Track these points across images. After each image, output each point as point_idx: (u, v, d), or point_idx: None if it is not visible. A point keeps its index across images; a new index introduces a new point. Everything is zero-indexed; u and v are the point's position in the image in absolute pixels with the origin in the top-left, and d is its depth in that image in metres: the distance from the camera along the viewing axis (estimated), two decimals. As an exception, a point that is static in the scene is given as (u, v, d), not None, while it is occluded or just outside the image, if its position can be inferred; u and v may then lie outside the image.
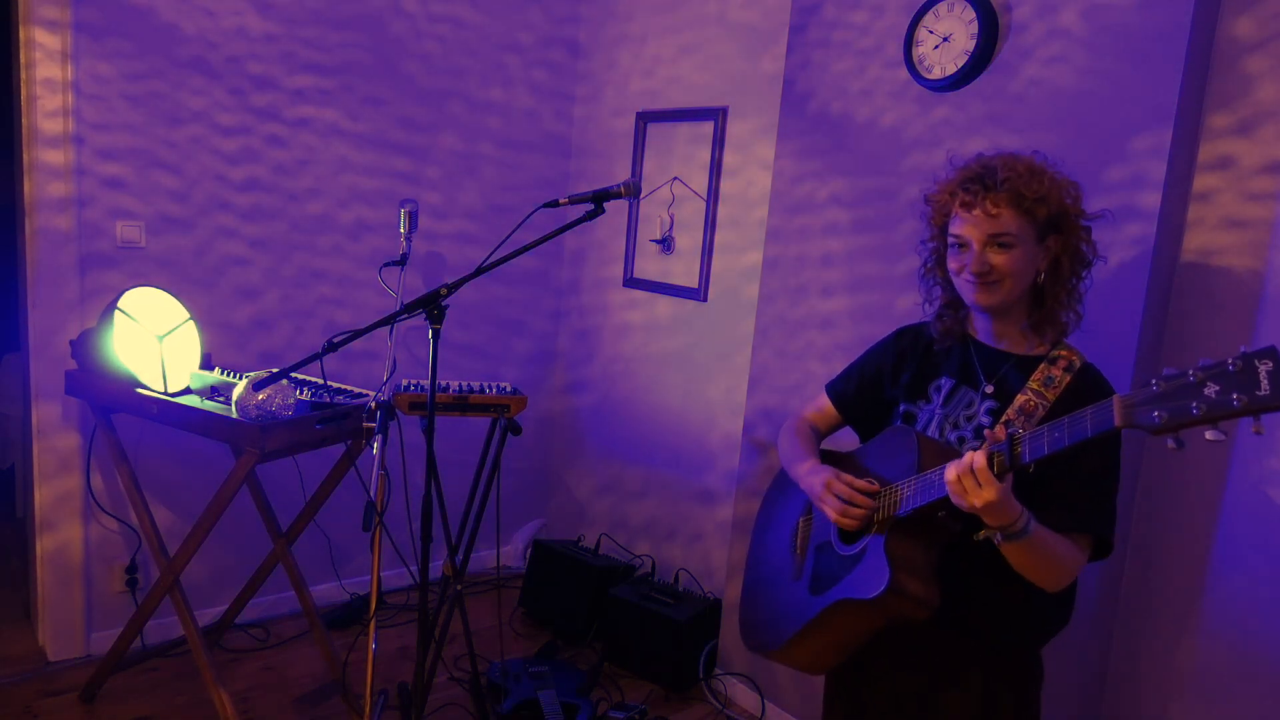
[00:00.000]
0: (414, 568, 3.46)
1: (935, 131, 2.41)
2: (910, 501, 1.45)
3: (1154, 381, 1.17)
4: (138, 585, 2.98)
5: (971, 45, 2.29)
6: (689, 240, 3.40)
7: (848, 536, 1.59)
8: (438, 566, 3.54)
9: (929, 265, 1.66)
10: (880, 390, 1.74)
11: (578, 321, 3.94)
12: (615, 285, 3.74)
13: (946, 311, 1.65)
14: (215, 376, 2.53)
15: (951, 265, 1.56)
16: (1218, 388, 1.10)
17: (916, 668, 1.60)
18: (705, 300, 3.35)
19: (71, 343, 2.61)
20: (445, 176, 3.53)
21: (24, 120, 2.65)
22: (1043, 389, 1.47)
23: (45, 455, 2.79)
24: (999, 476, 1.30)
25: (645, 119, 3.56)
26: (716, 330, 3.32)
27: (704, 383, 3.39)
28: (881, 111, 2.54)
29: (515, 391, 2.48)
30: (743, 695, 2.96)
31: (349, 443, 2.66)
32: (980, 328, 1.62)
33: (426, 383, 2.37)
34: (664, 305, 3.53)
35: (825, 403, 1.84)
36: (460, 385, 2.49)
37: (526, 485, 4.04)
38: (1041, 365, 1.50)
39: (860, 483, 1.54)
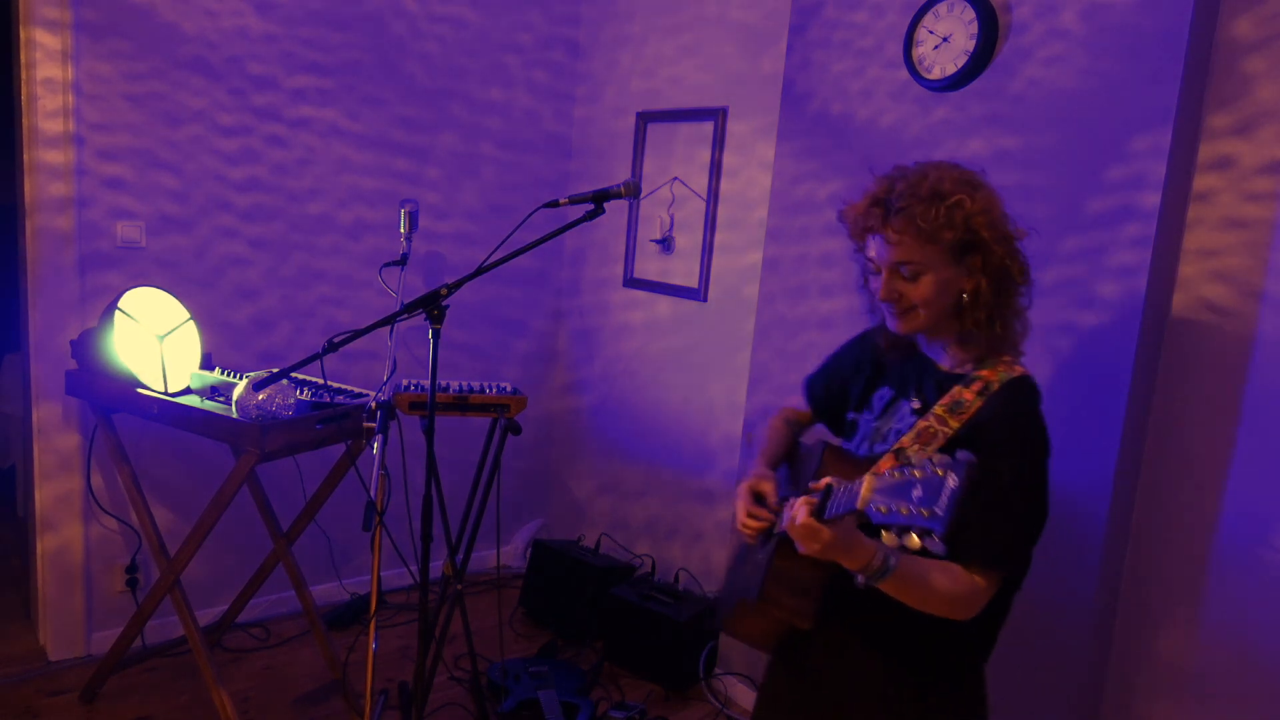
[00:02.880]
0: (414, 567, 3.46)
1: (935, 132, 2.41)
2: (784, 525, 1.43)
3: (893, 469, 1.14)
4: (138, 585, 2.98)
5: (971, 45, 2.29)
6: (689, 240, 3.40)
7: (765, 537, 1.57)
8: (438, 566, 3.54)
9: (861, 280, 1.58)
10: (844, 391, 1.69)
11: (578, 321, 3.94)
12: (615, 285, 3.74)
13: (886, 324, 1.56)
14: (215, 376, 2.53)
15: (873, 285, 1.49)
16: (920, 493, 1.07)
17: (840, 680, 1.54)
18: (705, 300, 3.35)
19: (72, 343, 2.61)
20: (445, 176, 3.54)
21: (24, 120, 2.65)
22: (947, 415, 1.38)
23: (46, 455, 2.79)
24: (828, 524, 1.24)
25: (645, 119, 3.56)
26: (716, 330, 3.32)
27: (704, 383, 3.39)
28: (881, 112, 2.54)
29: (515, 391, 2.48)
30: (743, 695, 2.96)
31: (349, 443, 2.66)
32: (919, 339, 1.54)
33: (426, 383, 2.37)
34: (664, 305, 3.53)
35: (803, 398, 1.81)
36: (460, 385, 2.49)
37: (526, 485, 4.04)
38: (955, 388, 1.40)
39: (755, 509, 1.53)
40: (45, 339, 2.73)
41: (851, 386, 1.65)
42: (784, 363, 2.83)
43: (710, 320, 3.35)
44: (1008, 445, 1.35)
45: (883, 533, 1.11)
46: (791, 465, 1.72)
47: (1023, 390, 1.39)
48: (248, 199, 3.06)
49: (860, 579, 1.29)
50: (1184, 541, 2.14)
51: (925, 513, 1.05)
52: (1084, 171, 2.13)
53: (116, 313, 2.43)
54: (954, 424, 1.36)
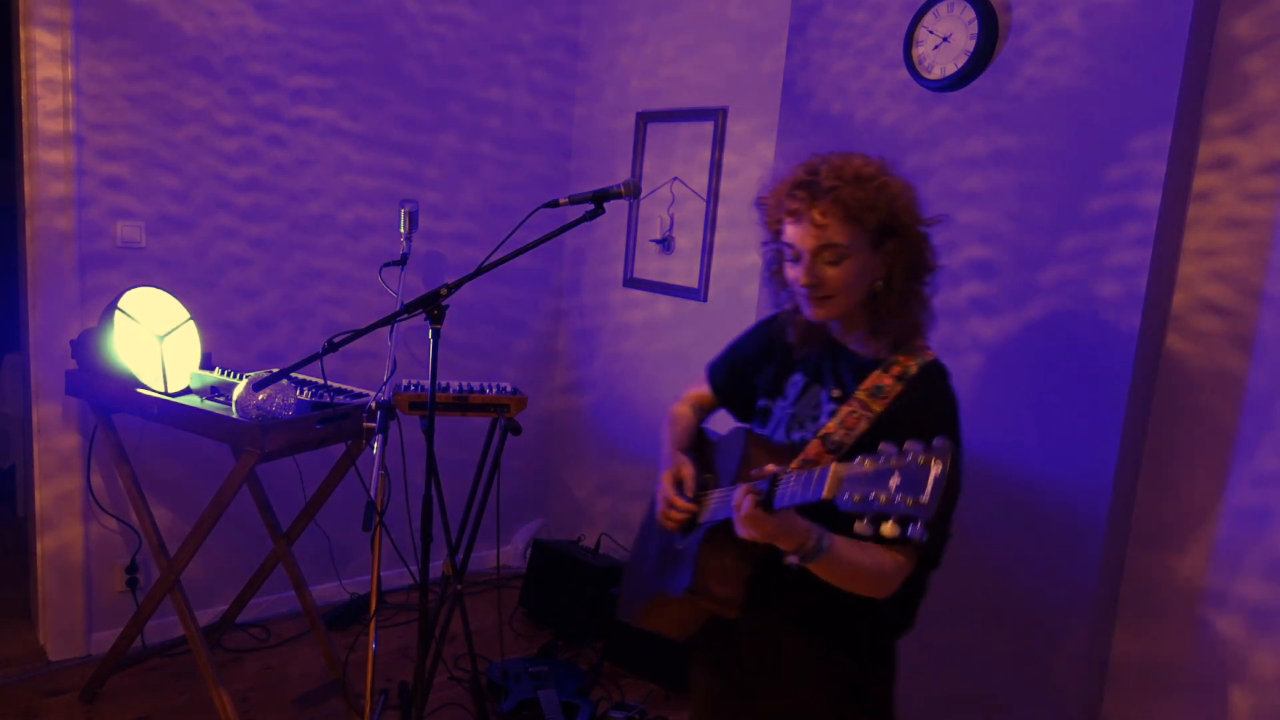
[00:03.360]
0: (414, 567, 3.46)
1: (935, 131, 2.41)
2: (714, 514, 1.44)
3: (863, 458, 1.15)
4: (138, 585, 2.98)
5: (971, 45, 2.29)
6: (689, 240, 3.40)
7: (685, 530, 1.58)
8: (438, 566, 3.53)
9: (771, 269, 1.59)
10: (749, 379, 1.70)
11: (578, 321, 3.94)
12: (615, 285, 3.74)
13: (798, 315, 1.57)
14: (215, 376, 2.53)
15: (789, 274, 1.50)
16: (899, 481, 1.08)
17: (763, 664, 1.57)
18: (705, 300, 3.35)
19: (71, 343, 2.61)
20: (445, 176, 3.53)
21: (24, 120, 2.65)
22: (869, 399, 1.42)
23: (45, 455, 2.79)
24: (766, 510, 1.27)
25: (645, 119, 3.56)
26: (716, 330, 3.32)
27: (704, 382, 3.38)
28: (881, 111, 2.54)
29: (515, 391, 2.48)
30: (743, 695, 2.96)
31: (349, 443, 2.66)
32: (834, 326, 1.56)
33: (426, 383, 2.37)
34: (664, 305, 3.53)
35: (706, 385, 1.82)
36: (460, 385, 2.49)
37: (526, 485, 4.04)
38: (874, 373, 1.44)
39: (678, 500, 1.55)
40: (45, 339, 2.73)
41: (758, 373, 1.67)
42: (784, 363, 2.83)
43: (710, 320, 3.35)
44: (931, 427, 1.39)
45: (855, 522, 1.12)
46: (700, 452, 1.70)
47: (939, 374, 1.45)
48: (248, 199, 3.06)
49: (795, 560, 1.31)
50: (1184, 541, 2.14)
51: (909, 501, 1.06)
52: (1084, 171, 2.13)
53: (116, 313, 2.43)
54: (876, 408, 1.41)
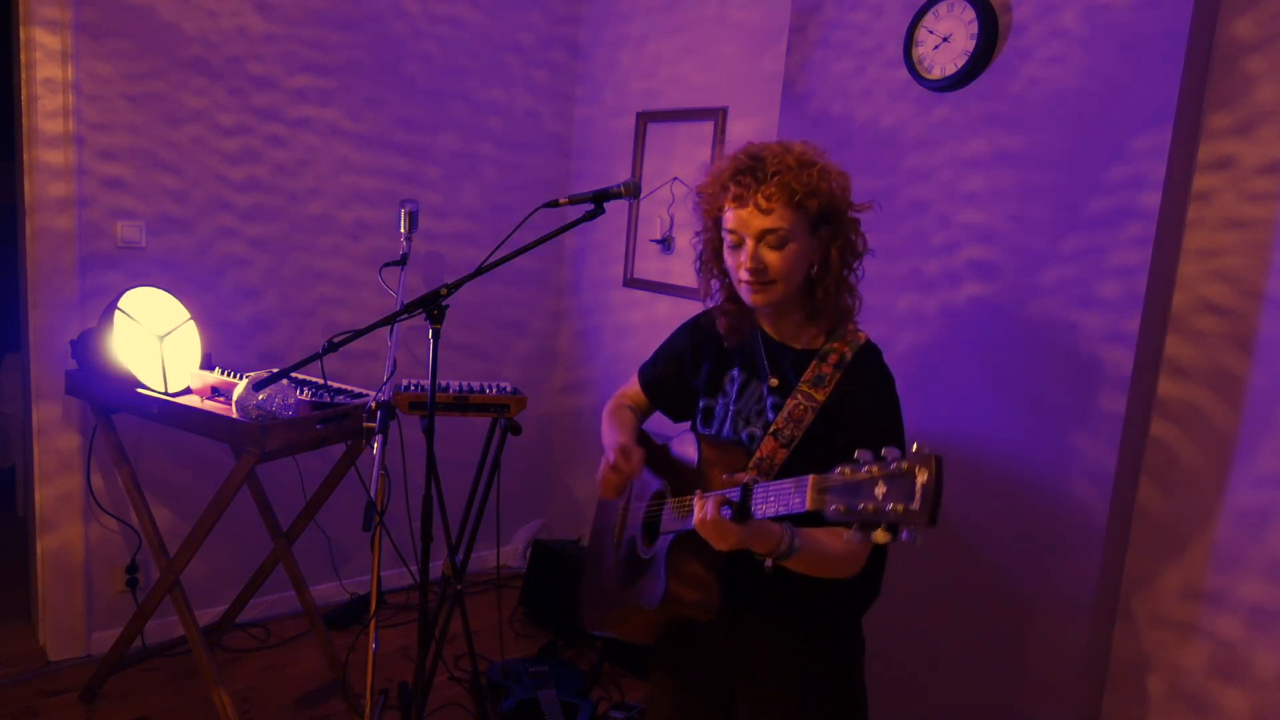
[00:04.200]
0: (414, 567, 3.46)
1: (935, 131, 2.41)
2: (680, 524, 1.45)
3: (841, 468, 1.16)
4: (138, 585, 2.98)
5: (971, 45, 2.29)
6: (689, 240, 3.40)
7: (648, 538, 1.59)
8: (438, 566, 3.53)
9: (705, 258, 1.60)
10: (683, 380, 1.72)
11: (578, 321, 3.94)
12: (615, 285, 3.74)
13: (729, 305, 1.59)
14: (215, 376, 2.53)
15: (729, 261, 1.51)
16: (885, 489, 1.09)
17: (736, 656, 1.59)
18: (705, 300, 3.35)
19: (71, 343, 2.61)
20: (445, 176, 3.54)
21: (24, 120, 2.65)
22: (812, 390, 1.45)
23: (45, 455, 2.79)
24: (739, 522, 1.28)
25: (645, 119, 3.56)
26: (716, 330, 3.32)
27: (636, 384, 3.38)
28: (881, 111, 2.54)
29: (515, 392, 2.48)
30: (743, 695, 2.96)
31: (349, 443, 2.66)
32: (764, 317, 1.58)
33: (426, 383, 2.37)
34: (664, 305, 3.52)
35: (638, 387, 1.83)
36: (460, 385, 2.49)
37: (526, 485, 4.04)
38: (813, 363, 1.47)
39: (622, 464, 1.55)
40: (45, 339, 2.73)
41: (694, 374, 1.68)
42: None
43: (710, 320, 3.34)
44: (875, 408, 1.46)
45: (845, 530, 1.14)
46: (651, 459, 1.68)
47: (874, 356, 1.51)
48: (248, 199, 3.06)
49: (768, 562, 1.34)
50: (1184, 541, 2.14)
51: (899, 508, 1.07)
52: (1084, 171, 2.13)
53: (116, 313, 2.43)
54: (820, 397, 1.45)
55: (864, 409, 1.45)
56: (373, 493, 2.08)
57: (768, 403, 1.52)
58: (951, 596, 2.40)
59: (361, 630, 3.20)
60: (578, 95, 3.86)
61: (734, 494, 1.30)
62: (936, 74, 2.38)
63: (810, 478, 1.20)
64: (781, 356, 1.53)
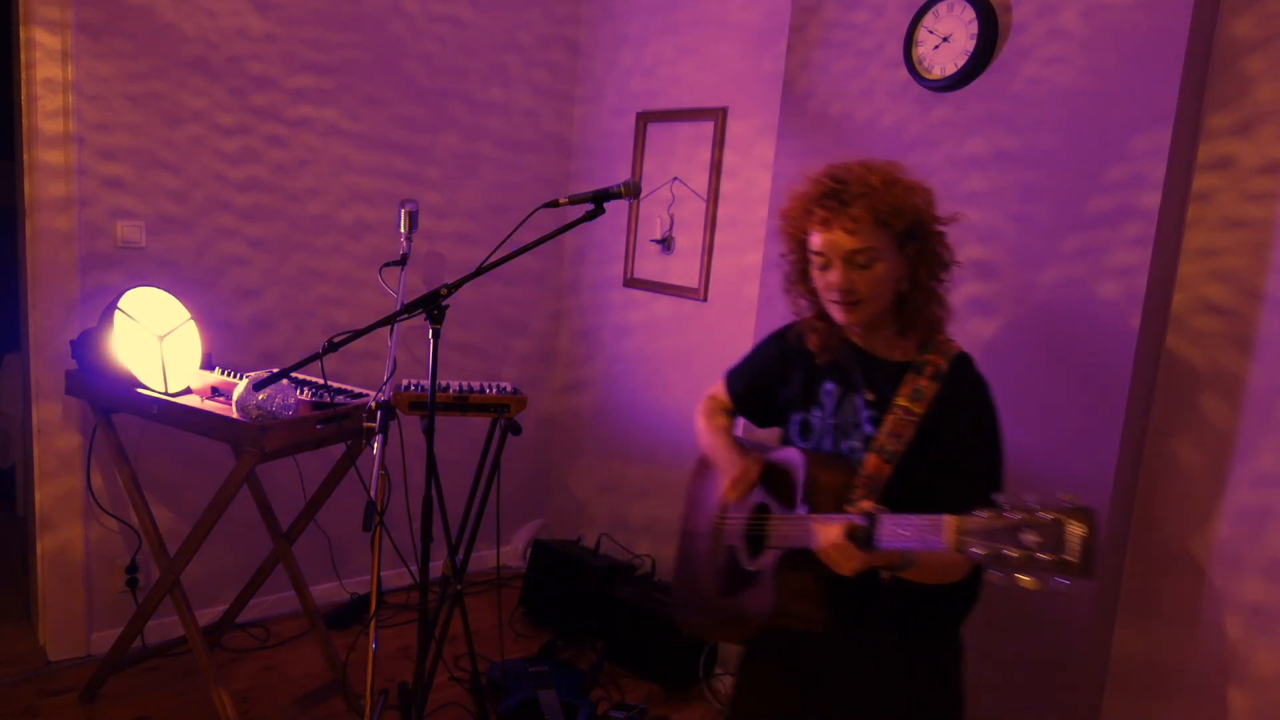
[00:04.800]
0: (414, 567, 3.45)
1: (935, 131, 2.41)
2: (790, 541, 1.48)
3: (984, 512, 1.18)
4: (138, 585, 2.98)
5: (971, 45, 2.29)
6: (689, 240, 3.40)
7: (753, 549, 1.61)
8: (438, 566, 3.53)
9: (791, 279, 1.64)
10: (771, 391, 1.75)
11: (578, 321, 3.94)
12: (615, 285, 3.74)
13: (819, 323, 1.63)
14: (215, 376, 2.53)
15: (817, 282, 1.56)
16: (1037, 540, 1.11)
17: (837, 665, 1.61)
18: (705, 300, 3.35)
19: (71, 343, 2.60)
20: (445, 176, 3.53)
21: (24, 120, 2.65)
22: (910, 404, 1.48)
23: (45, 455, 2.79)
24: (865, 549, 1.32)
25: (645, 119, 3.56)
26: (716, 330, 3.32)
27: (704, 383, 3.37)
28: (881, 111, 2.54)
29: (515, 391, 2.48)
30: (743, 695, 2.96)
31: (349, 443, 2.66)
32: (855, 331, 1.60)
33: (426, 383, 2.37)
34: (664, 305, 3.52)
35: (725, 392, 1.88)
36: (460, 385, 2.49)
37: (526, 485, 4.04)
38: (908, 376, 1.50)
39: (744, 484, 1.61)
40: (45, 339, 2.73)
41: (783, 384, 1.71)
42: (784, 363, 2.83)
43: (710, 320, 3.35)
44: (974, 418, 1.49)
45: (987, 572, 1.16)
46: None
47: (968, 365, 1.54)
48: (248, 199, 3.06)
49: (886, 575, 1.39)
50: (1184, 540, 2.14)
51: (1049, 558, 1.09)
52: (1084, 171, 2.13)
53: (116, 313, 2.43)
54: (918, 410, 1.48)
55: (962, 420, 1.48)
56: (373, 493, 2.08)
57: (864, 416, 1.55)
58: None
59: (361, 630, 3.19)
60: (578, 95, 3.86)
61: (861, 520, 1.33)
62: (936, 74, 2.38)
63: (947, 518, 1.22)
64: (875, 370, 1.56)
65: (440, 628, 2.58)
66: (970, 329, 2.35)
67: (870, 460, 1.49)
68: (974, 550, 1.17)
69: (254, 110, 3.02)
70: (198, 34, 2.87)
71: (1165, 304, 2.13)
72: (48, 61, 2.61)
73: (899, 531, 1.30)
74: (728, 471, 1.68)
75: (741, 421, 1.92)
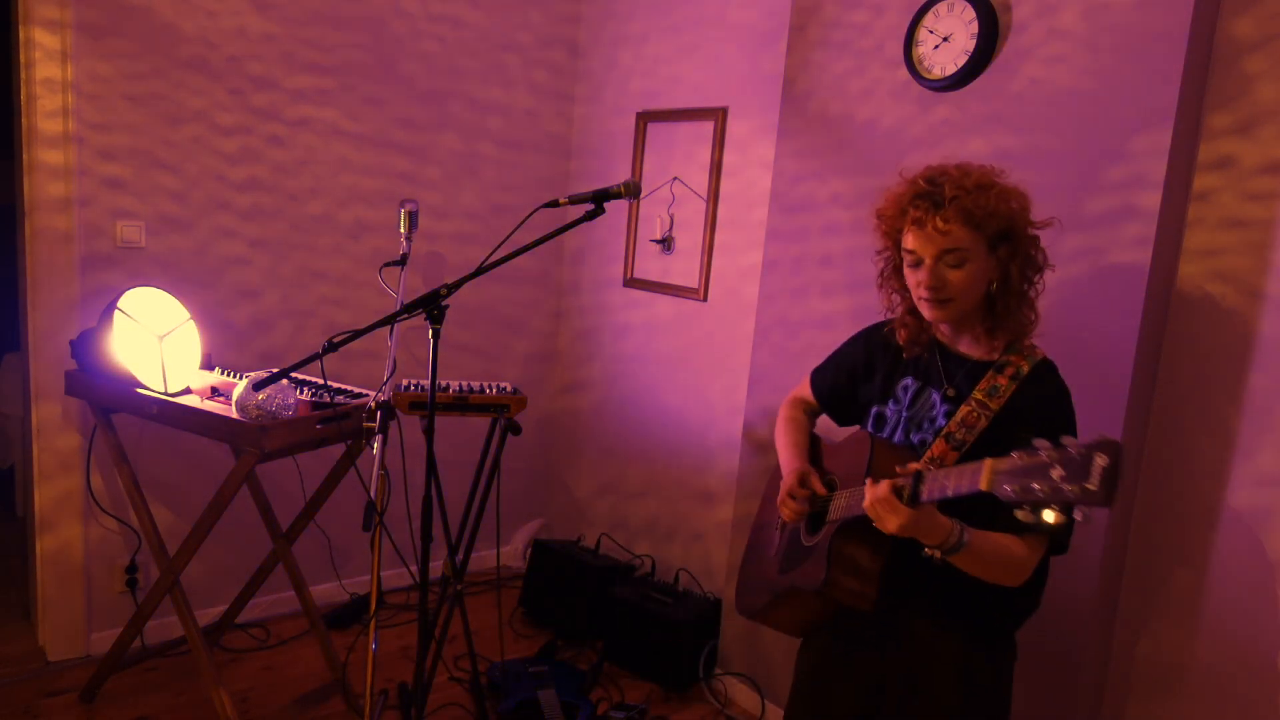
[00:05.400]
0: (414, 568, 3.46)
1: (935, 131, 2.41)
2: (846, 511, 1.53)
3: (1017, 453, 1.23)
4: (138, 585, 2.98)
5: (971, 45, 2.29)
6: (689, 240, 3.40)
7: (812, 526, 1.67)
8: (438, 566, 3.54)
9: (885, 274, 1.70)
10: (855, 387, 1.80)
11: (578, 321, 3.94)
12: (615, 285, 3.74)
13: (909, 319, 1.68)
14: (215, 376, 2.53)
15: (909, 279, 1.60)
16: (1062, 472, 1.15)
17: (896, 655, 1.64)
18: (705, 300, 3.36)
19: (71, 343, 2.60)
20: (445, 176, 3.53)
21: (24, 120, 2.65)
22: (986, 399, 1.51)
23: (45, 455, 2.79)
24: (910, 505, 1.37)
25: (645, 119, 3.56)
26: (716, 330, 3.32)
27: (704, 383, 3.39)
28: (881, 111, 2.54)
29: (515, 391, 2.48)
30: (743, 695, 2.96)
31: (349, 443, 2.66)
32: (943, 329, 1.66)
33: (426, 383, 2.37)
34: (664, 305, 3.52)
35: (809, 390, 1.93)
36: (460, 385, 2.49)
37: (526, 485, 4.04)
38: (989, 373, 1.53)
39: (800, 491, 1.67)
40: (45, 339, 2.73)
41: (866, 381, 1.76)
42: (784, 363, 2.83)
43: (710, 320, 3.35)
44: (1048, 420, 1.48)
45: (1015, 511, 1.21)
46: (815, 455, 1.81)
47: (1050, 371, 1.55)
48: (248, 199, 3.06)
49: (937, 554, 1.41)
50: (1184, 540, 2.14)
51: (1075, 489, 1.12)
52: (1084, 171, 2.13)
53: (116, 313, 2.43)
54: (994, 406, 1.50)
55: (1036, 420, 1.47)
56: (373, 493, 2.08)
57: (940, 410, 1.59)
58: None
59: (361, 630, 3.20)
60: (578, 95, 3.86)
61: (906, 478, 1.39)
62: (937, 74, 2.38)
63: (987, 460, 1.27)
64: (957, 367, 1.60)
65: (440, 628, 2.57)
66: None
67: (938, 445, 1.53)
68: (1005, 488, 1.21)
69: (254, 110, 3.02)
70: (197, 34, 2.87)
71: (1165, 304, 2.13)
72: (47, 61, 2.61)
73: (942, 483, 1.34)
74: (784, 479, 1.74)
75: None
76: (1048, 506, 1.15)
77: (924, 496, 1.36)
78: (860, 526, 1.48)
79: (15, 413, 3.90)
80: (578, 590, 3.32)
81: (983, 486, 1.26)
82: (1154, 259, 2.04)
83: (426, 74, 3.40)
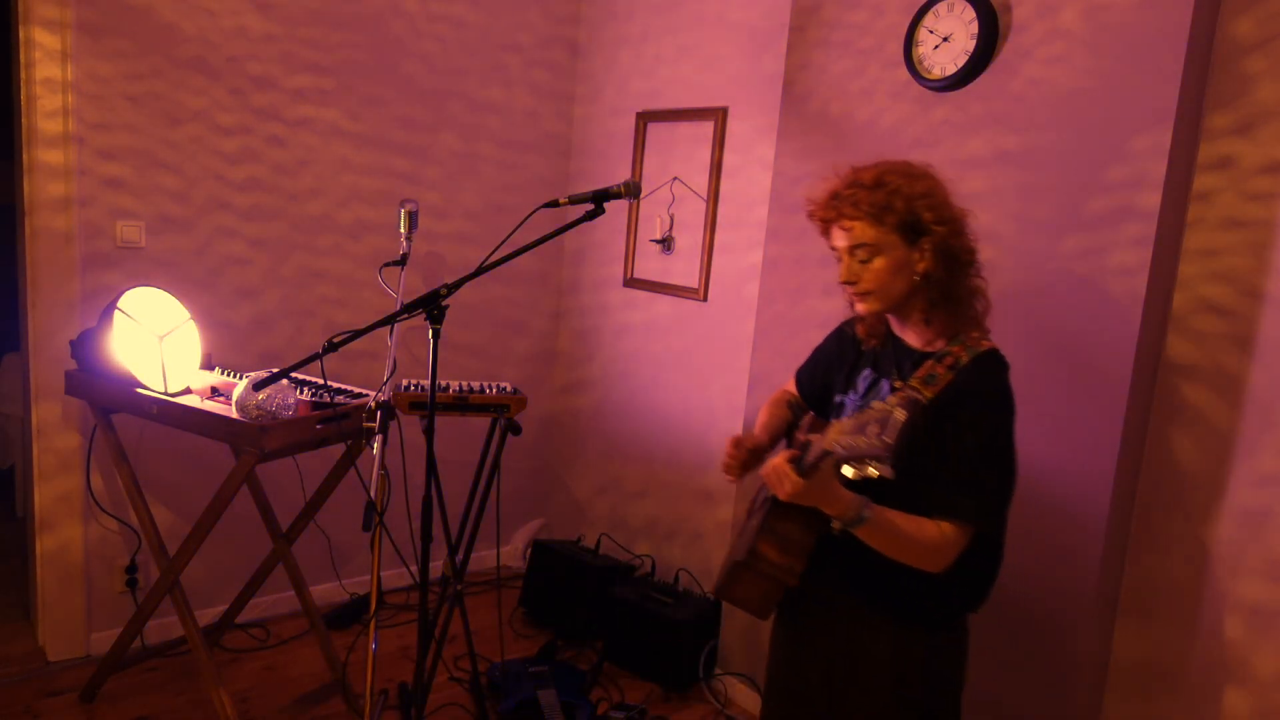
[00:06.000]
0: (414, 568, 3.46)
1: (935, 131, 2.41)
2: (765, 489, 1.59)
3: (852, 413, 1.29)
4: (138, 585, 2.98)
5: (971, 45, 2.29)
6: (689, 240, 3.40)
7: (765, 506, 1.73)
8: (438, 566, 3.54)
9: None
10: (829, 379, 1.84)
11: (578, 321, 3.94)
12: (615, 285, 3.74)
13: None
14: (215, 376, 2.53)
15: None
16: (878, 428, 1.19)
17: (835, 635, 1.68)
18: (705, 300, 3.36)
19: (71, 343, 2.60)
20: (445, 176, 3.53)
21: (24, 120, 2.65)
22: (921, 386, 1.52)
23: (45, 455, 2.79)
24: (805, 475, 1.42)
25: (645, 119, 3.56)
26: (716, 330, 3.32)
27: (704, 383, 3.39)
28: (881, 111, 2.54)
29: (515, 391, 2.48)
30: (743, 695, 2.96)
31: (349, 443, 2.66)
32: (894, 321, 1.68)
33: (426, 383, 2.37)
34: (664, 305, 3.52)
35: (794, 385, 1.99)
36: (460, 385, 2.49)
37: (526, 485, 4.04)
38: (928, 362, 1.55)
39: (729, 448, 1.78)
40: (45, 339, 2.73)
41: (835, 373, 1.81)
42: (784, 363, 2.83)
43: (710, 320, 3.35)
44: (976, 412, 1.51)
45: (845, 468, 1.26)
46: (790, 440, 1.89)
47: (990, 363, 1.55)
48: (248, 199, 3.05)
49: (837, 525, 1.47)
50: (1184, 541, 2.14)
51: (879, 443, 1.18)
52: (1084, 171, 2.13)
53: (116, 313, 2.43)
54: (928, 394, 1.51)
55: (963, 411, 1.49)
56: (373, 493, 2.08)
57: (886, 397, 1.61)
58: (951, 596, 2.39)
59: (361, 630, 3.20)
60: (578, 95, 3.86)
61: (798, 449, 1.46)
62: (937, 74, 2.38)
63: (834, 421, 1.33)
64: (906, 357, 1.63)
65: (440, 628, 2.57)
66: (970, 329, 2.35)
67: (798, 436, 1.59)
68: (838, 446, 1.27)
69: (254, 110, 3.02)
70: (197, 34, 2.87)
71: (1165, 304, 2.13)
72: (47, 61, 2.61)
73: (816, 449, 1.39)
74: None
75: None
76: (866, 462, 1.20)
77: (806, 462, 1.41)
78: (792, 505, 1.52)
79: (15, 413, 3.90)
80: (578, 590, 3.32)
81: (825, 446, 1.31)
82: (1154, 259, 2.04)
83: (426, 74, 3.40)
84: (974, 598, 1.64)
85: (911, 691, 1.60)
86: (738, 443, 1.80)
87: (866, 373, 1.70)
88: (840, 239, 1.59)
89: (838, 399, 1.75)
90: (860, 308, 1.62)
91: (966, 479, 1.49)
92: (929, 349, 1.60)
